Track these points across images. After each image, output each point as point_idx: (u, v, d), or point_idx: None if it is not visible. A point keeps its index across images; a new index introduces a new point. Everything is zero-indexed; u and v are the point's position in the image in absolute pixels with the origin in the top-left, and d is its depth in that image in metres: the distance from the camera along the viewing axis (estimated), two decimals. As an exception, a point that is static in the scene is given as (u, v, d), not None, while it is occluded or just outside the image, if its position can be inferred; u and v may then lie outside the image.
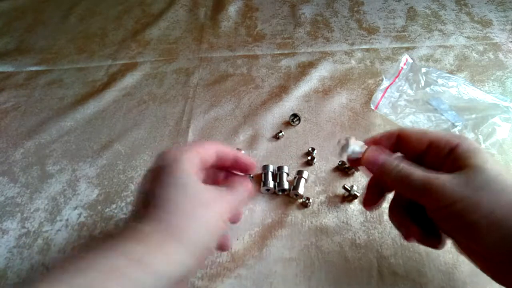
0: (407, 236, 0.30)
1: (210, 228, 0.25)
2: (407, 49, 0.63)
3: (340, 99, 0.56)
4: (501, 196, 0.23)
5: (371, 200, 0.33)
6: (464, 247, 0.27)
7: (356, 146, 0.31)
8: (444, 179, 0.24)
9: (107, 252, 0.21)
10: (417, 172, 0.26)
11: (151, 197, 0.25)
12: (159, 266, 0.21)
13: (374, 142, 0.31)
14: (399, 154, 0.31)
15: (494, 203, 0.23)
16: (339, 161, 0.47)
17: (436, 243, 0.29)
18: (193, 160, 0.28)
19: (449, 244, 0.40)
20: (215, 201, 0.26)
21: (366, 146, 0.31)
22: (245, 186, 0.31)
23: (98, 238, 0.28)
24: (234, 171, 0.34)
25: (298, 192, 0.43)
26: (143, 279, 0.20)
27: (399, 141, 0.30)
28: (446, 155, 0.27)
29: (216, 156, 0.30)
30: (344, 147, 0.31)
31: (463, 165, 0.25)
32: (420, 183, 0.25)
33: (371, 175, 0.32)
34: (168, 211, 0.24)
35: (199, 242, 0.24)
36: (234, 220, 0.35)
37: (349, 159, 0.32)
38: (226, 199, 0.28)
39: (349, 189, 0.44)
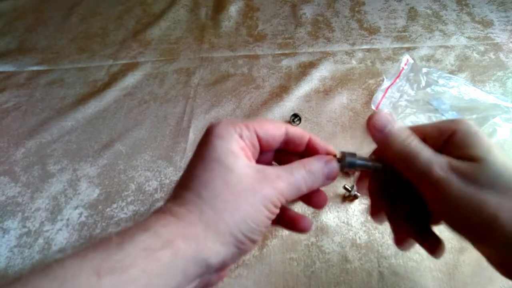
0: (398, 242, 0.29)
1: (252, 217, 0.22)
2: (408, 49, 0.63)
3: (341, 99, 0.56)
4: (505, 198, 0.21)
5: (377, 207, 0.29)
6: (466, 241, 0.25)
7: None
8: (448, 171, 0.22)
9: (139, 232, 0.20)
10: (426, 153, 0.23)
11: (190, 178, 0.23)
12: (190, 251, 0.20)
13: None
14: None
15: (498, 205, 0.21)
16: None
17: (434, 249, 0.28)
18: (246, 139, 0.25)
19: (449, 244, 0.40)
20: (263, 184, 0.23)
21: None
22: (316, 165, 0.26)
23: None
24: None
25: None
26: (173, 263, 0.20)
27: None
28: (442, 146, 0.24)
29: (285, 138, 0.27)
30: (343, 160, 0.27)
31: (464, 156, 0.23)
32: (425, 168, 0.23)
33: (367, 195, 0.30)
34: (204, 198, 0.22)
35: (236, 231, 0.22)
36: (314, 204, 0.29)
37: (346, 169, 0.28)
38: (282, 180, 0.24)
39: (349, 189, 0.44)
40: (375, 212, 0.30)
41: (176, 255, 0.20)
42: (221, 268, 0.23)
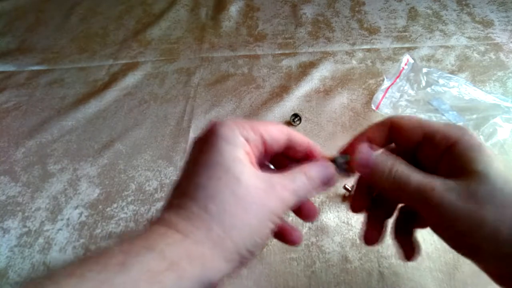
0: (409, 256, 0.28)
1: (258, 232, 0.22)
2: (408, 49, 0.63)
3: (341, 99, 0.56)
4: (506, 212, 0.21)
5: (371, 231, 0.28)
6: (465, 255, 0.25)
7: (340, 157, 0.27)
8: (444, 191, 0.22)
9: (143, 251, 0.19)
10: (415, 177, 0.23)
11: (193, 186, 0.22)
12: (196, 272, 0.20)
13: (366, 136, 0.27)
14: (392, 145, 0.28)
15: (499, 220, 0.21)
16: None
17: (409, 254, 0.27)
18: (252, 143, 0.23)
19: (450, 244, 0.40)
20: (270, 195, 0.22)
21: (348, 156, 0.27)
22: (316, 171, 0.25)
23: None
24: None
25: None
26: (177, 286, 0.19)
27: (392, 132, 0.27)
28: (443, 152, 0.24)
29: (286, 143, 0.26)
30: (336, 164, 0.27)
31: (464, 169, 0.22)
32: (418, 193, 0.23)
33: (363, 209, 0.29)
34: (211, 213, 0.21)
35: (241, 249, 0.21)
36: (306, 217, 0.28)
37: (342, 173, 0.28)
38: (286, 189, 0.23)
39: (349, 189, 0.44)
40: (357, 200, 0.29)
41: (181, 277, 0.19)
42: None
